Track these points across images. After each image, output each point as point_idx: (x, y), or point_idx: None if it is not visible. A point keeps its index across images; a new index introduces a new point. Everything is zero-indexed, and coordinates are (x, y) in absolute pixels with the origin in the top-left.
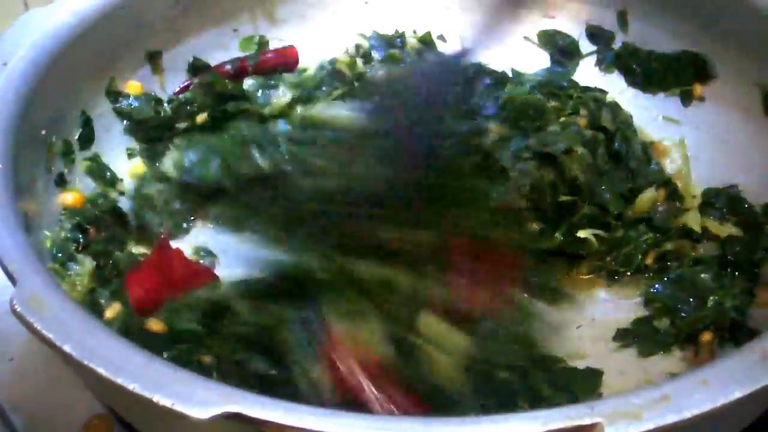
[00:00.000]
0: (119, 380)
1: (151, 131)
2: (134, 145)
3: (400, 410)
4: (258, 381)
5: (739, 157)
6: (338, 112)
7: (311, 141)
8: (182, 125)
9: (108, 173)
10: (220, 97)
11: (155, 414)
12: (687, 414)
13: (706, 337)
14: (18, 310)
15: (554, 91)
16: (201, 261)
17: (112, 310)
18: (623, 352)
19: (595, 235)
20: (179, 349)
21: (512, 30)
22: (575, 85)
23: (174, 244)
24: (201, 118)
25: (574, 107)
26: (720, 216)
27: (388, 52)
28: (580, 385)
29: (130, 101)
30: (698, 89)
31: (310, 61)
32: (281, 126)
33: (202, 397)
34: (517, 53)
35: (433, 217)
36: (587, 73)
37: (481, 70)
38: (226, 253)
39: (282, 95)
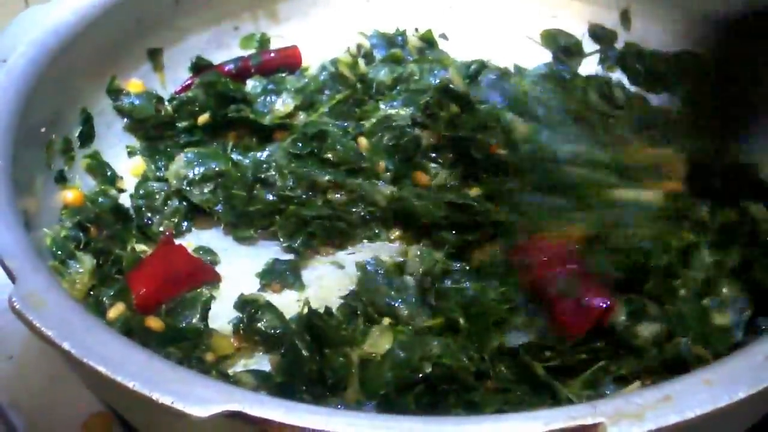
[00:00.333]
0: (118, 378)
1: (152, 130)
2: (135, 143)
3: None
4: None
5: (742, 155)
6: None
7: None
8: (183, 124)
9: (108, 171)
10: (222, 98)
11: (155, 412)
12: (690, 414)
13: None
14: (17, 307)
15: (559, 83)
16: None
17: (116, 310)
18: None
19: None
20: (179, 347)
21: (514, 29)
22: (578, 75)
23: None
24: (203, 118)
25: (582, 96)
26: None
27: (389, 51)
28: None
29: (131, 99)
30: None
31: (312, 59)
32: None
33: (202, 396)
34: (519, 52)
35: None
36: (590, 73)
37: (483, 66)
38: (227, 251)
39: (284, 104)
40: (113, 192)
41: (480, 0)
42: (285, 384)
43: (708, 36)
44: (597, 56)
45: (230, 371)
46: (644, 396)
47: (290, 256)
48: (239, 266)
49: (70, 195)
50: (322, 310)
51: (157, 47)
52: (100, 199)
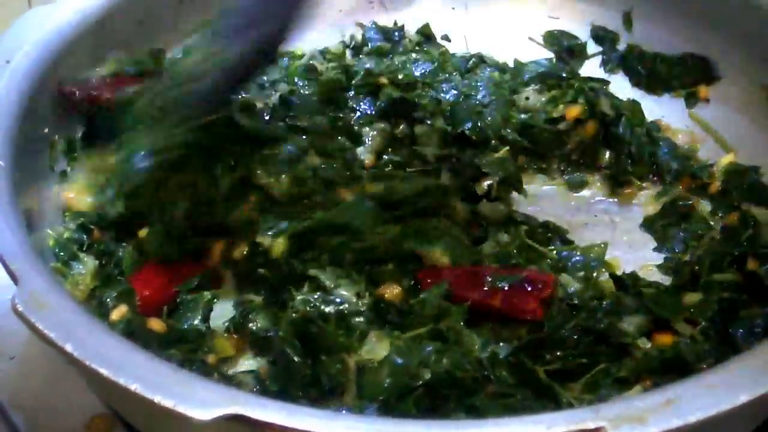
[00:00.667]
0: (120, 380)
1: None
2: None
3: None
4: None
5: (743, 159)
6: None
7: None
8: None
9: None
10: None
11: (156, 415)
12: (692, 418)
13: None
14: (19, 309)
15: (554, 81)
16: None
17: (118, 312)
18: None
19: None
20: (181, 348)
21: (517, 30)
22: (575, 75)
23: None
24: None
25: (573, 96)
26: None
27: (376, 44)
28: None
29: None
30: (703, 91)
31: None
32: None
33: (203, 398)
34: (521, 53)
35: None
36: (592, 74)
37: (482, 60)
38: None
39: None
40: None
41: (482, 2)
42: (280, 390)
43: None
44: (599, 58)
45: (231, 372)
46: (646, 400)
47: None
48: None
49: (72, 196)
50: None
51: (160, 48)
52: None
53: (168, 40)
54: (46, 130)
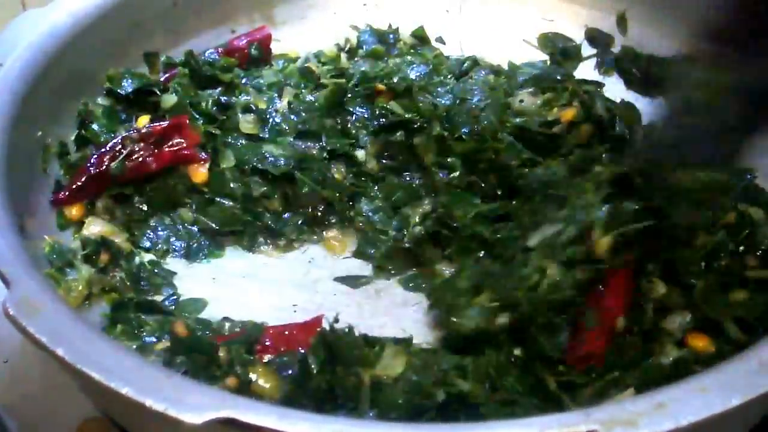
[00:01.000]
0: (112, 384)
1: None
2: None
3: None
4: None
5: (738, 160)
6: None
7: None
8: None
9: None
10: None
11: (148, 418)
12: (684, 421)
13: None
14: (11, 313)
15: (549, 84)
16: None
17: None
18: None
19: None
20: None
21: (511, 33)
22: (570, 77)
23: None
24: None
25: (568, 99)
26: None
27: (371, 47)
28: None
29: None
30: None
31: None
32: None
33: (195, 402)
34: (516, 55)
35: None
36: (586, 76)
37: (476, 63)
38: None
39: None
40: None
41: (477, 4)
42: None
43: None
44: (593, 60)
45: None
46: (638, 403)
47: None
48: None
49: (74, 210)
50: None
51: (154, 50)
52: None
53: (161, 43)
54: (39, 133)
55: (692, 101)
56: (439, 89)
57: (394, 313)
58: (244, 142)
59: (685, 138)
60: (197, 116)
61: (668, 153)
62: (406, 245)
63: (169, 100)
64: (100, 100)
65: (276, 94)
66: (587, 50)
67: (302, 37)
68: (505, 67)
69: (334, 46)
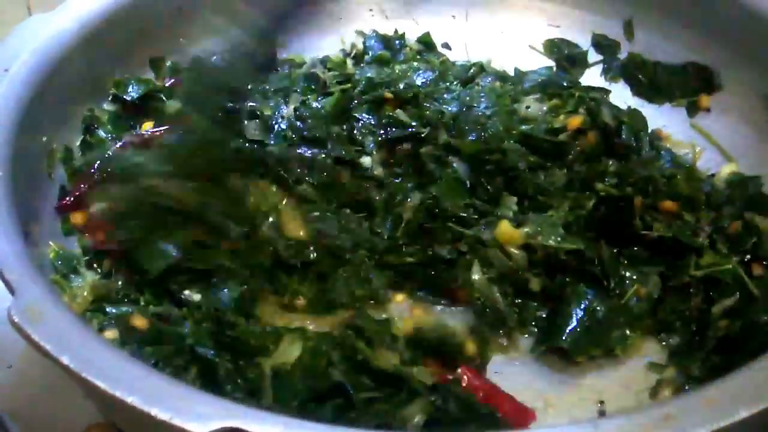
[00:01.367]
0: (117, 393)
1: None
2: None
3: None
4: None
5: (745, 168)
6: None
7: None
8: None
9: None
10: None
11: (154, 427)
12: None
13: None
14: (15, 320)
15: (555, 91)
16: None
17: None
18: None
19: None
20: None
21: (517, 39)
22: (576, 84)
23: None
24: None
25: (574, 106)
26: None
27: (377, 53)
28: None
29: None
30: (705, 100)
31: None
32: None
33: (201, 411)
34: (522, 62)
35: None
36: (593, 82)
37: (482, 69)
38: None
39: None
40: None
41: (483, 10)
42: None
43: None
44: (600, 66)
45: None
46: (646, 414)
47: None
48: None
49: (79, 217)
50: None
51: (159, 56)
52: None
53: (167, 49)
54: (45, 138)
55: None
56: (445, 96)
57: None
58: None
59: None
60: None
61: None
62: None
63: (173, 105)
64: (106, 106)
65: (282, 100)
66: (593, 56)
67: (308, 43)
68: (512, 73)
69: (339, 52)
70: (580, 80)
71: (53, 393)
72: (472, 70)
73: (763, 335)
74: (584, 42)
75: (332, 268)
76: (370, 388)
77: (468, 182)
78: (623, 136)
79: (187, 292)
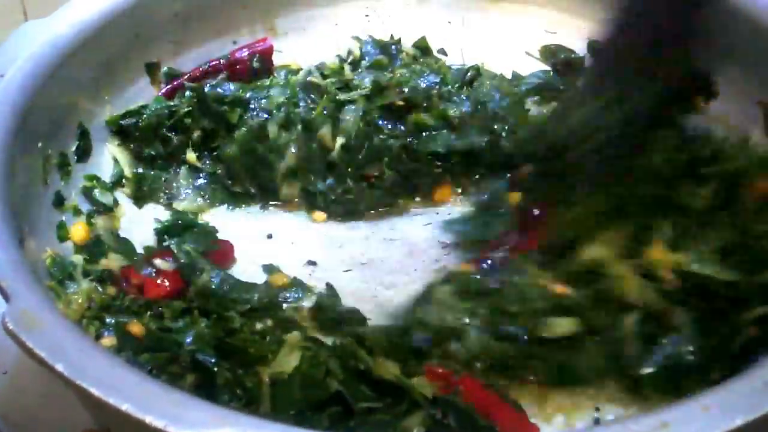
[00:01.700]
0: (111, 400)
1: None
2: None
3: None
4: None
5: None
6: None
7: None
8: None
9: (105, 197)
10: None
11: None
12: None
13: None
14: (10, 327)
15: (553, 93)
16: None
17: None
18: None
19: None
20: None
21: (514, 45)
22: (574, 88)
23: None
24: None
25: None
26: None
27: (374, 58)
28: None
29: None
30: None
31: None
32: None
33: (195, 419)
34: (518, 68)
35: None
36: None
37: (479, 72)
38: None
39: None
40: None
41: (479, 16)
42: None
43: None
44: None
45: None
46: (641, 423)
47: None
48: None
49: (78, 231)
50: None
51: (155, 61)
52: (102, 234)
53: (163, 54)
54: (40, 144)
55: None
56: (455, 98)
57: None
58: None
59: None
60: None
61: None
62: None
63: None
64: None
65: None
66: (589, 63)
67: (304, 48)
68: (509, 77)
69: (336, 58)
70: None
71: (49, 399)
72: (469, 74)
73: None
74: (580, 48)
75: None
76: (369, 398)
77: None
78: None
79: None
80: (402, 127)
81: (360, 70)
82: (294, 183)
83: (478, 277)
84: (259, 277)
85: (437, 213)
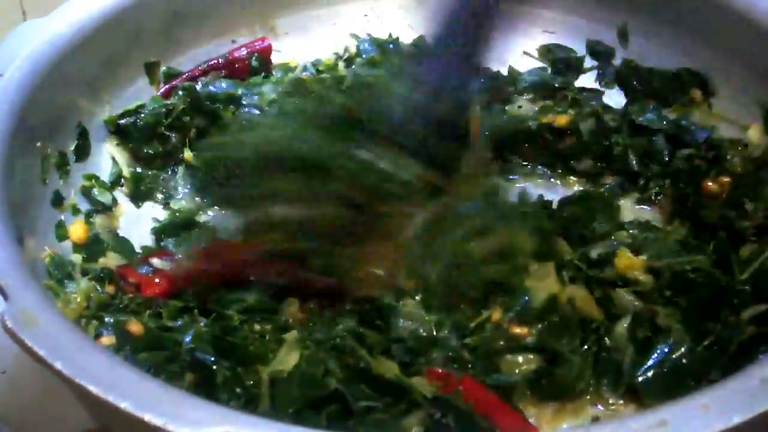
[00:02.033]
0: (110, 398)
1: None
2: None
3: None
4: None
5: None
6: None
7: None
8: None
9: (104, 196)
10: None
11: None
12: None
13: None
14: (9, 325)
15: (548, 91)
16: None
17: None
18: None
19: None
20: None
21: (512, 45)
22: (570, 86)
23: None
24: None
25: (567, 106)
26: None
27: (369, 56)
28: None
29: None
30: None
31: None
32: None
33: (194, 417)
34: (516, 66)
35: None
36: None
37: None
38: None
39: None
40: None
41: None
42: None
43: None
44: (594, 72)
45: None
46: (639, 420)
47: None
48: None
49: (76, 230)
50: None
51: (154, 60)
52: (102, 235)
53: (162, 53)
54: (39, 144)
55: None
56: None
57: None
58: None
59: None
60: None
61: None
62: None
63: None
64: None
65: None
66: (588, 63)
67: (303, 48)
68: (505, 73)
69: (332, 55)
70: (574, 83)
71: (47, 398)
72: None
73: None
74: (579, 48)
75: None
76: (369, 397)
77: None
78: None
79: None
80: None
81: (353, 66)
82: None
83: None
84: None
85: None
